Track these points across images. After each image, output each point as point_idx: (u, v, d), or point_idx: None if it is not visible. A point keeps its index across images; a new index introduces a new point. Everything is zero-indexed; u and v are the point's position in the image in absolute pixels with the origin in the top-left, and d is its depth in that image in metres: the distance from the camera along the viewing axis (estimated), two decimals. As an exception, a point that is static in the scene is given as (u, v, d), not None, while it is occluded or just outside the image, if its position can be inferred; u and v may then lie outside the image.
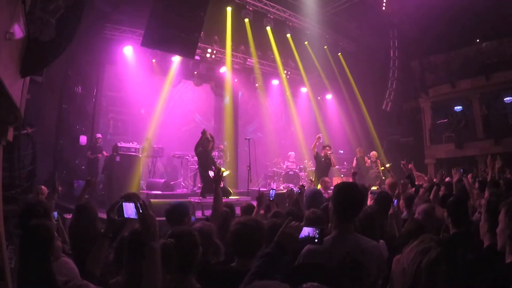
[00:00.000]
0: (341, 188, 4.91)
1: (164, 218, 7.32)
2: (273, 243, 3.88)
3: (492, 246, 4.43)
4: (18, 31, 6.32)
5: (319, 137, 20.65)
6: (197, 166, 19.69)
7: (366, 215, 6.17)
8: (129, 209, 4.39)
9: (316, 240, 4.09)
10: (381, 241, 6.19)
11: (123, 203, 4.55)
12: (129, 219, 4.53)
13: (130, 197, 6.28)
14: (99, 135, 19.72)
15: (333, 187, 5.37)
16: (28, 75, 7.70)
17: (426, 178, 14.83)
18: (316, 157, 20.47)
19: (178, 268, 4.13)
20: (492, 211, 4.63)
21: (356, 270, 4.36)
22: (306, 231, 4.06)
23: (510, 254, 3.51)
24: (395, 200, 8.16)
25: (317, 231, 4.09)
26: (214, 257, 5.14)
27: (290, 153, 25.85)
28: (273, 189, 11.32)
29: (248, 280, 3.64)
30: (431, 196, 9.05)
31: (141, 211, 3.95)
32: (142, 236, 3.92)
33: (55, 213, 7.66)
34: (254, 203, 8.92)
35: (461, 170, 12.09)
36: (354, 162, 24.06)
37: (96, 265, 4.61)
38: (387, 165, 22.46)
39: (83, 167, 19.86)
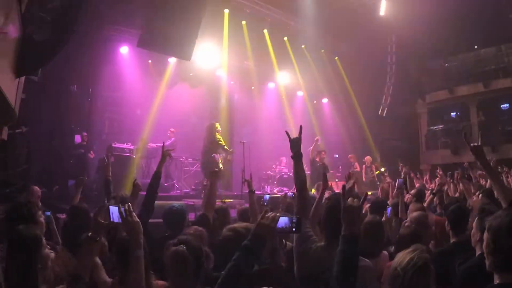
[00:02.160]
0: (332, 205, 4.73)
1: (159, 220, 7.32)
2: (250, 235, 3.90)
3: (483, 255, 4.40)
4: (13, 30, 6.29)
5: (317, 140, 20.72)
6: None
7: (369, 223, 6.15)
8: (115, 213, 4.34)
9: (294, 229, 4.17)
10: (385, 252, 6.17)
11: (109, 206, 4.50)
12: (114, 223, 4.48)
13: (118, 200, 6.26)
14: (84, 133, 19.64)
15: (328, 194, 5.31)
16: (24, 75, 7.67)
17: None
18: (312, 162, 20.49)
19: (191, 275, 4.10)
20: (483, 220, 4.58)
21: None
22: (283, 221, 4.08)
23: (497, 275, 3.48)
24: (389, 208, 8.14)
25: (293, 220, 4.14)
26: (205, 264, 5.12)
27: (282, 158, 25.82)
28: (267, 193, 11.30)
29: (227, 273, 3.72)
30: (425, 204, 9.04)
31: (124, 216, 3.91)
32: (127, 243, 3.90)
33: (48, 213, 7.62)
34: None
35: (449, 172, 12.15)
36: (357, 166, 24.23)
37: (84, 269, 4.56)
38: (382, 169, 22.51)
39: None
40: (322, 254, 4.47)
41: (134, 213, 4.06)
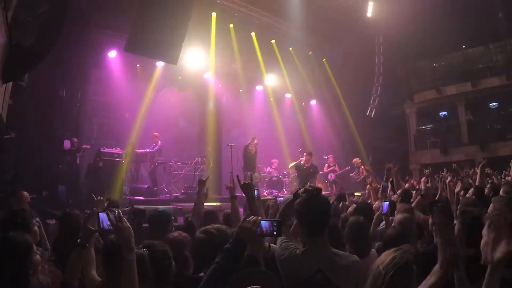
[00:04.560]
0: (304, 201, 4.70)
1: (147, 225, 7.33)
2: (232, 239, 3.94)
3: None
4: (-2, 37, 6.29)
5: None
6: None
7: (355, 224, 6.13)
8: (105, 220, 4.31)
9: (275, 233, 4.19)
10: (373, 251, 6.15)
11: (99, 213, 4.49)
12: (104, 229, 4.46)
13: (109, 205, 6.27)
14: (74, 139, 19.57)
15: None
16: (10, 81, 7.66)
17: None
18: (297, 167, 20.60)
19: (153, 280, 4.09)
20: (466, 223, 4.58)
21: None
22: (265, 225, 4.13)
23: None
24: (386, 203, 8.11)
25: (274, 224, 4.17)
26: (184, 269, 5.11)
27: (273, 160, 25.78)
28: (256, 189, 11.24)
29: (209, 275, 3.73)
30: (413, 204, 9.01)
31: (115, 222, 3.90)
32: (118, 247, 3.88)
33: (37, 219, 7.60)
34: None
35: (436, 177, 12.18)
36: (337, 168, 24.34)
37: (74, 276, 4.55)
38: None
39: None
40: (303, 259, 4.43)
41: (124, 218, 4.02)
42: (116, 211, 4.05)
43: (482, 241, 3.57)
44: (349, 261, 4.50)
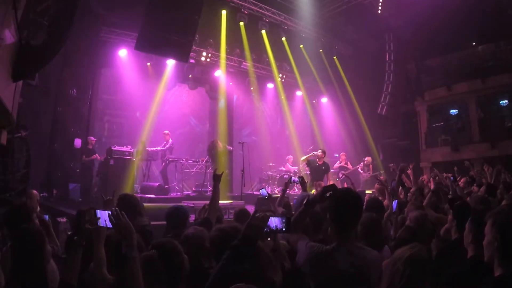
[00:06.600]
0: (340, 196, 4.63)
1: (159, 223, 7.31)
2: (240, 235, 3.93)
3: (475, 258, 4.38)
4: (9, 36, 6.31)
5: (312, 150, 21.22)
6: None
7: (369, 221, 6.10)
8: (104, 218, 4.28)
9: (284, 229, 4.27)
10: (386, 247, 6.14)
11: (97, 210, 4.46)
12: (103, 227, 4.43)
13: (123, 200, 6.27)
14: (91, 138, 19.63)
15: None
16: (20, 79, 7.68)
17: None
18: (309, 163, 20.59)
19: (166, 279, 4.09)
20: (476, 221, 4.56)
21: (359, 282, 4.27)
22: (274, 221, 4.20)
23: (499, 267, 3.44)
24: (395, 202, 8.10)
25: (284, 221, 4.26)
26: (206, 262, 5.10)
27: (288, 157, 25.72)
28: (263, 188, 11.20)
29: (217, 271, 3.78)
30: (424, 202, 8.96)
31: (114, 220, 3.89)
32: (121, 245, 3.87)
33: (46, 217, 7.63)
34: (248, 208, 8.86)
35: (451, 177, 12.12)
36: (349, 165, 24.17)
37: (72, 274, 4.53)
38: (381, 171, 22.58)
39: (78, 170, 19.73)
40: (335, 254, 4.38)
41: (124, 215, 4.01)
42: (114, 209, 4.03)
43: (485, 241, 3.58)
44: (375, 256, 4.56)
